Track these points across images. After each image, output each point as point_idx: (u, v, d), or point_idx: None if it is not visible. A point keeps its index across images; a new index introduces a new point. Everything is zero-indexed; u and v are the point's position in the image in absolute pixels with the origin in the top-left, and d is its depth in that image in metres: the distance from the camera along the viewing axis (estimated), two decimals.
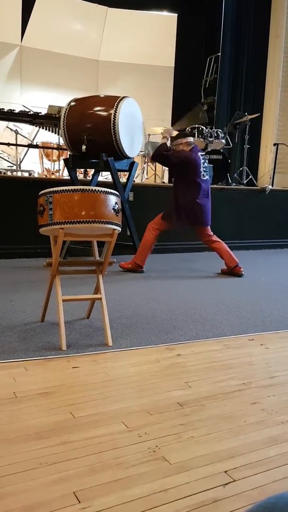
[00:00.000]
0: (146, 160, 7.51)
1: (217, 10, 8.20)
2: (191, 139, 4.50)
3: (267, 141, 8.60)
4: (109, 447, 1.52)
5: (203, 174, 4.42)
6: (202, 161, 4.43)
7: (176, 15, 8.68)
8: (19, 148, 6.57)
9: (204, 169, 4.44)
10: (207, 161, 4.54)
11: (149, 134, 6.86)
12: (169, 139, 4.62)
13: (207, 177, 4.49)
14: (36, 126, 5.83)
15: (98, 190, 2.43)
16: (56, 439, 1.55)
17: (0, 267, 4.51)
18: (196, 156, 4.40)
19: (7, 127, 6.52)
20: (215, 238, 4.56)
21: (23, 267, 4.58)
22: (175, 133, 4.91)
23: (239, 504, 1.26)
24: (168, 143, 4.53)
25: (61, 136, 5.10)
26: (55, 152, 6.72)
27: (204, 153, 4.69)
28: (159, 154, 4.45)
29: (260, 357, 2.40)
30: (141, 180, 7.19)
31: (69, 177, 4.97)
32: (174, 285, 4.08)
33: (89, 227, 2.39)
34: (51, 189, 2.40)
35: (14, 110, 5.50)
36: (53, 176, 6.84)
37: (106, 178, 6.54)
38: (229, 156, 7.47)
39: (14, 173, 6.62)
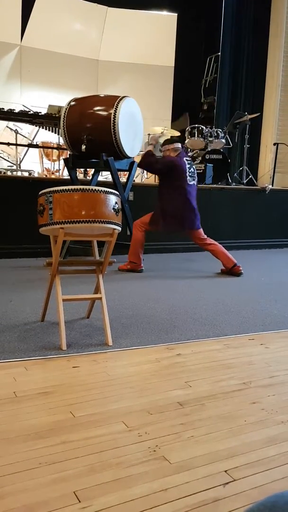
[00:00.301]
0: None
1: (217, 10, 8.21)
2: (178, 145, 4.52)
3: (267, 140, 8.61)
4: (109, 446, 1.52)
5: (188, 179, 4.43)
6: (188, 166, 4.45)
7: (176, 14, 8.68)
8: (19, 147, 6.57)
9: (190, 174, 4.45)
10: (193, 166, 4.57)
11: (149, 134, 6.86)
12: (156, 145, 4.65)
13: (193, 182, 4.50)
14: (36, 125, 5.82)
15: (98, 190, 2.43)
16: (56, 439, 1.55)
17: (0, 267, 4.51)
18: (182, 161, 4.42)
19: (7, 127, 6.52)
20: (209, 240, 4.56)
21: (23, 267, 4.58)
22: (162, 139, 4.94)
23: (239, 504, 1.26)
24: (152, 147, 4.60)
25: (61, 136, 5.10)
26: (55, 151, 6.72)
27: (190, 158, 4.71)
28: (145, 162, 4.48)
29: (260, 356, 2.40)
30: (141, 180, 7.19)
31: (69, 177, 4.97)
32: (174, 284, 4.08)
33: (89, 226, 2.39)
34: (51, 189, 2.40)
35: (14, 109, 5.50)
36: (53, 176, 6.83)
37: (106, 178, 6.54)
38: (229, 155, 7.48)
39: (14, 172, 6.62)
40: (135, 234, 4.52)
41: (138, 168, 4.99)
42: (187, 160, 4.48)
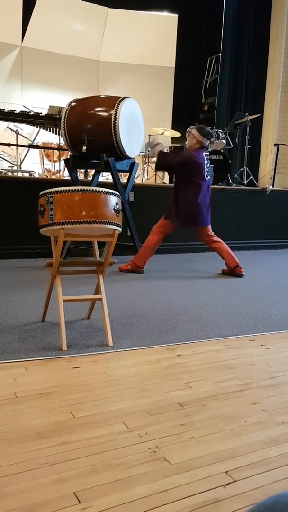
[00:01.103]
0: (146, 161, 7.51)
1: (218, 11, 8.21)
2: (207, 142, 4.41)
3: (267, 141, 8.61)
4: (109, 447, 1.51)
5: (206, 175, 4.42)
6: (206, 161, 4.43)
7: (177, 15, 8.68)
8: (20, 148, 6.58)
9: (207, 169, 4.44)
10: (209, 161, 4.54)
11: (149, 135, 6.87)
12: (161, 144, 4.64)
13: (209, 177, 4.49)
14: (37, 126, 5.83)
15: (99, 191, 2.43)
16: (57, 439, 1.55)
17: (0, 267, 4.51)
18: (200, 156, 4.37)
19: (8, 128, 6.53)
20: (216, 238, 4.56)
21: (23, 267, 4.58)
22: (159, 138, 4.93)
23: (240, 505, 1.26)
24: (160, 147, 4.56)
25: (61, 137, 5.11)
26: (56, 152, 6.72)
27: (208, 153, 4.68)
28: (163, 163, 4.45)
29: (260, 357, 2.40)
30: (142, 180, 7.19)
31: (69, 178, 4.97)
32: (174, 285, 4.08)
33: (89, 227, 2.39)
34: (52, 190, 2.40)
35: (14, 110, 5.50)
36: (53, 177, 6.84)
37: (106, 179, 6.54)
38: (229, 156, 7.47)
39: (15, 173, 6.63)
40: (150, 239, 4.48)
41: (138, 169, 4.98)
42: (206, 155, 4.46)
